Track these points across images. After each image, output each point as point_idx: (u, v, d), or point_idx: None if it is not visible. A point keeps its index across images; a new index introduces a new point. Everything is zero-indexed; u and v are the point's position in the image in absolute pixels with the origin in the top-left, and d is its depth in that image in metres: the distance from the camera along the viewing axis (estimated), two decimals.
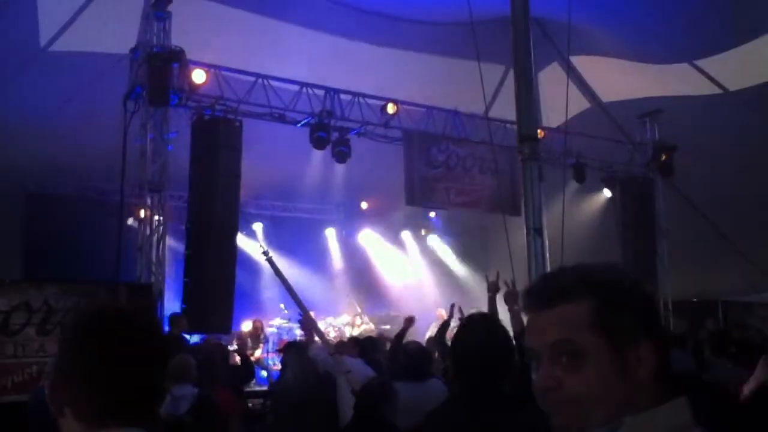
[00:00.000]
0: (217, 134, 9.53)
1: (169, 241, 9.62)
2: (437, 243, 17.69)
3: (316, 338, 5.80)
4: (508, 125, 10.62)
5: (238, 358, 8.32)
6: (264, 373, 10.30)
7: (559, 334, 1.13)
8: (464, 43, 8.17)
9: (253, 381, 8.88)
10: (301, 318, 6.20)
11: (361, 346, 6.99)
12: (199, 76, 9.33)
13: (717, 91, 12.31)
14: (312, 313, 6.88)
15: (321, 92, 10.54)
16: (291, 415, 5.54)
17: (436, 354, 6.54)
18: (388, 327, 13.11)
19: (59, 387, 1.32)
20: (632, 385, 1.10)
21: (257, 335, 11.90)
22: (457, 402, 2.46)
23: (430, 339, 8.13)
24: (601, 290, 1.15)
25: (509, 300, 5.00)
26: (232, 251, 9.50)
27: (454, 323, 6.41)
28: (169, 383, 4.89)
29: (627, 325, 1.12)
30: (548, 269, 4.27)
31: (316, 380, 5.56)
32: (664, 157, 12.89)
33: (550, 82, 11.36)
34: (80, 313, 1.39)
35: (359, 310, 14.61)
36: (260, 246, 7.17)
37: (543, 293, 1.18)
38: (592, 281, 1.16)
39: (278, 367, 9.48)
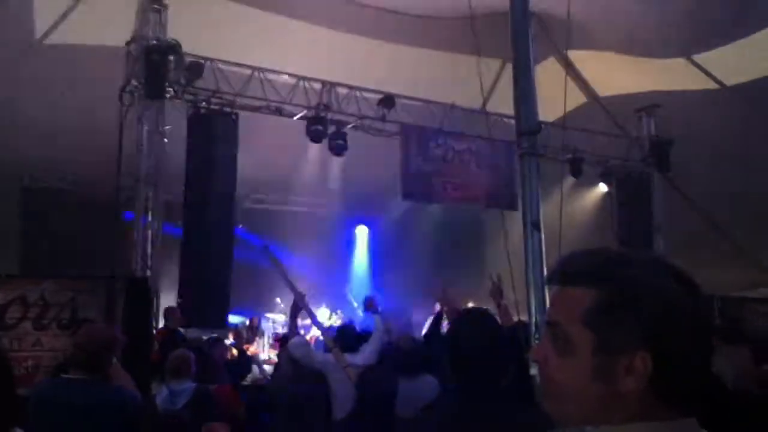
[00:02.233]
0: (213, 128, 9.52)
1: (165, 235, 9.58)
2: (434, 237, 17.66)
3: (309, 332, 5.79)
4: (505, 119, 10.62)
5: (234, 352, 8.32)
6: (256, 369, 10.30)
7: (555, 315, 1.11)
8: (461, 37, 8.16)
9: (250, 375, 8.88)
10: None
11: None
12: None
13: (714, 86, 12.31)
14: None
15: (318, 85, 10.52)
16: (287, 409, 5.54)
17: None
18: None
19: None
20: (612, 393, 1.03)
21: (253, 329, 11.94)
22: (452, 397, 2.46)
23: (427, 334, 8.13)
24: (607, 284, 1.07)
25: (495, 295, 5.03)
26: (227, 245, 9.50)
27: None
28: (168, 378, 4.88)
29: (623, 328, 1.04)
30: (545, 264, 4.27)
31: (311, 375, 5.56)
32: (660, 152, 12.91)
33: (547, 76, 11.31)
34: None
35: (355, 305, 14.62)
36: (260, 240, 7.16)
37: (561, 270, 1.14)
38: (603, 271, 1.08)
39: (275, 360, 9.49)
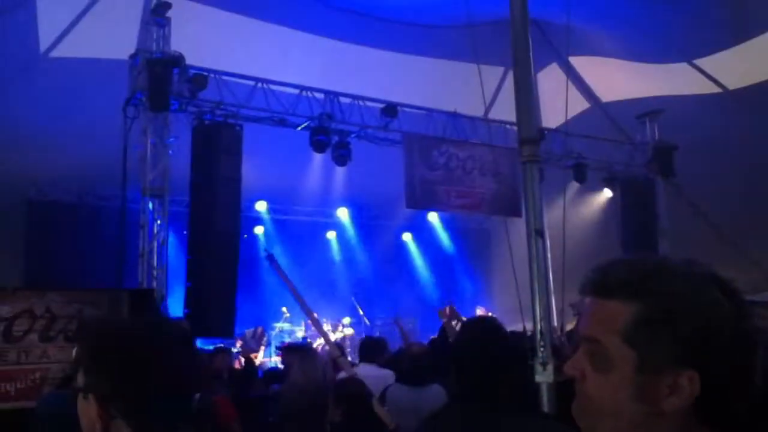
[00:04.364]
0: (218, 139, 9.55)
1: (171, 246, 9.62)
2: (438, 245, 17.68)
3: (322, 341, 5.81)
4: (507, 126, 10.66)
5: (242, 361, 8.33)
6: None
7: (592, 331, 1.04)
8: (463, 46, 8.20)
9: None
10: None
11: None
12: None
13: (716, 90, 12.32)
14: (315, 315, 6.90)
15: (321, 95, 10.56)
16: (294, 419, 5.53)
17: None
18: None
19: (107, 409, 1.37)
20: (653, 413, 0.98)
21: (258, 338, 12.01)
22: (454, 406, 2.46)
23: (433, 340, 8.13)
24: (649, 298, 1.00)
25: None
26: (233, 256, 9.51)
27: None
28: None
29: (665, 345, 0.98)
30: (549, 271, 4.27)
31: (319, 385, 5.56)
32: (664, 157, 12.91)
33: (550, 82, 11.37)
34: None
35: (361, 313, 14.62)
36: (264, 250, 7.18)
37: (598, 281, 1.06)
38: (645, 284, 1.01)
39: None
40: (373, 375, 5.18)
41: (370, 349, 5.84)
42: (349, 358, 10.14)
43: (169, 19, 9.28)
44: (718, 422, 0.98)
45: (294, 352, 6.54)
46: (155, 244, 9.08)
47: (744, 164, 12.01)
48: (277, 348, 10.46)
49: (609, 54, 12.75)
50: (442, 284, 16.87)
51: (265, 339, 12.19)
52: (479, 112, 11.28)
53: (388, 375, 5.28)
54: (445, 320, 6.22)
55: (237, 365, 8.76)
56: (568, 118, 9.09)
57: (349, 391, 3.86)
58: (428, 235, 17.57)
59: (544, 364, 3.89)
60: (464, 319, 6.37)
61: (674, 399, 0.97)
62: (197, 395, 4.86)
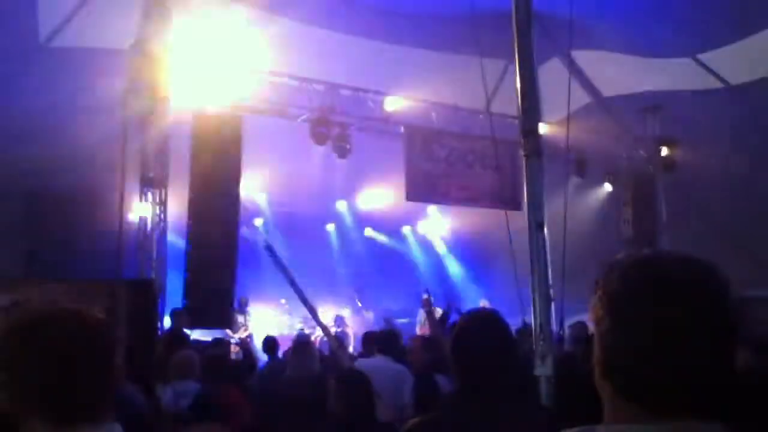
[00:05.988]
0: (218, 130, 9.53)
1: (170, 237, 9.61)
2: (438, 238, 17.67)
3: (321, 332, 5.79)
4: (508, 120, 10.62)
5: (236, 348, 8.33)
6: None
7: None
8: (464, 38, 8.16)
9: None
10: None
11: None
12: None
13: (719, 85, 12.27)
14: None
15: (321, 87, 10.53)
16: (294, 413, 5.53)
17: None
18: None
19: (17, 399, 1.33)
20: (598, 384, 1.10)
21: (242, 305, 12.17)
22: (456, 397, 2.44)
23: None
24: (598, 284, 1.13)
25: None
26: (232, 247, 9.51)
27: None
28: (172, 379, 4.91)
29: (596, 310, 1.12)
30: (549, 264, 4.27)
31: (315, 377, 5.54)
32: (665, 152, 12.88)
33: (551, 76, 11.29)
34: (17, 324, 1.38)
35: (360, 305, 14.64)
36: (263, 240, 7.17)
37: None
38: (604, 272, 1.14)
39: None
40: (387, 368, 5.13)
41: (385, 341, 5.68)
42: (350, 350, 10.15)
43: (169, 9, 9.24)
44: (650, 405, 1.02)
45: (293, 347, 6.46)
46: (154, 234, 9.07)
47: (745, 160, 11.99)
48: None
49: (611, 48, 12.69)
50: (441, 277, 16.88)
51: (249, 312, 12.41)
52: (480, 106, 11.24)
53: (401, 369, 5.23)
54: (427, 309, 6.19)
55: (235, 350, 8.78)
56: (570, 112, 9.05)
57: (351, 384, 3.85)
58: (428, 228, 17.57)
59: (543, 357, 3.88)
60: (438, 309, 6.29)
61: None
62: (197, 386, 4.84)
